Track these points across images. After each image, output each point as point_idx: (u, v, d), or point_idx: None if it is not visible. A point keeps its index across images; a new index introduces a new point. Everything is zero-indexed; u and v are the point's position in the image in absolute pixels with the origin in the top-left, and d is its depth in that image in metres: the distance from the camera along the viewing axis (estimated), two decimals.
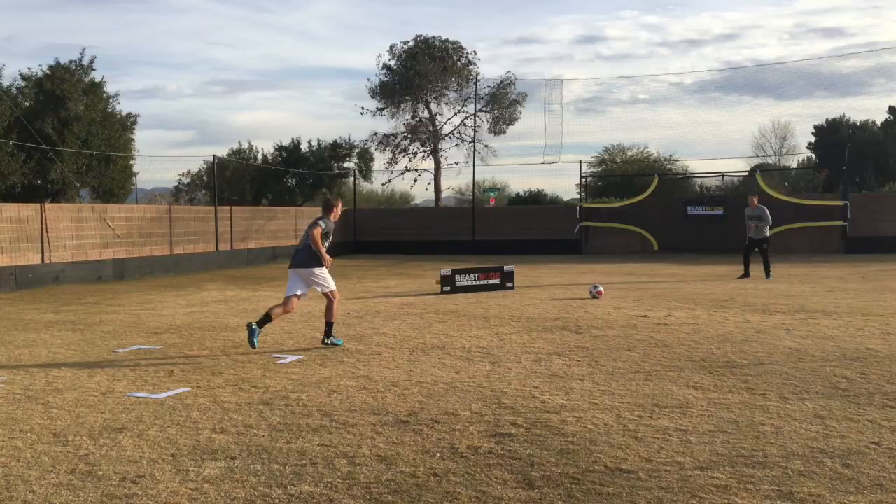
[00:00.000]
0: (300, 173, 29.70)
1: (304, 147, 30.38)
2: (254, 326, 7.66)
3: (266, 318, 7.83)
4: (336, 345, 8.01)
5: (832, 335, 8.22)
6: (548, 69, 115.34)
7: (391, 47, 32.37)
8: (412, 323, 9.67)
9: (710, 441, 4.51)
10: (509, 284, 13.97)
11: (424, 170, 33.17)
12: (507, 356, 7.33)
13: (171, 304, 12.38)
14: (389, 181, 34.00)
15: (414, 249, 26.89)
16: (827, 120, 46.59)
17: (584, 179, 26.78)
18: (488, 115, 32.85)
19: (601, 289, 12.25)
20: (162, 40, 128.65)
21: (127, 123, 21.10)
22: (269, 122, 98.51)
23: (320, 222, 8.05)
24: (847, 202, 23.17)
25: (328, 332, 8.09)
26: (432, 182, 33.42)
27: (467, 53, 32.74)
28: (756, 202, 15.53)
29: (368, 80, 33.46)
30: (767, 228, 15.22)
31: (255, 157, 30.42)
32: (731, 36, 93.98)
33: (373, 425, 4.92)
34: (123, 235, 18.35)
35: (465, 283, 13.64)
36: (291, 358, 7.36)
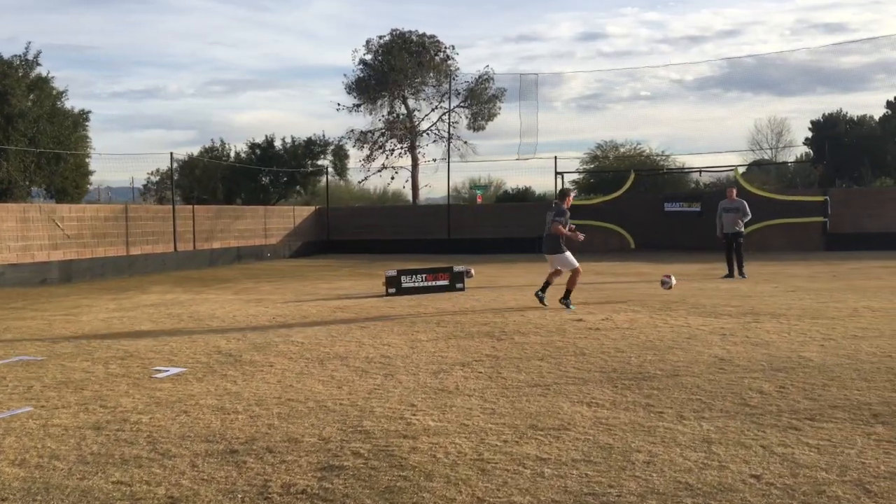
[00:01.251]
0: (273, 171, 29.10)
1: (277, 145, 29.78)
2: (540, 294, 10.46)
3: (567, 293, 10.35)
4: (570, 308, 10.16)
5: (769, 341, 7.60)
6: (549, 66, 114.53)
7: (367, 42, 31.75)
8: (332, 329, 9.07)
9: (567, 474, 3.90)
10: (459, 286, 13.38)
11: (401, 167, 32.54)
12: (407, 367, 6.72)
13: (98, 308, 11.79)
14: (366, 178, 33.39)
15: (389, 249, 26.29)
16: (824, 115, 45.97)
17: (560, 176, 26.16)
18: (467, 111, 32.20)
19: (673, 282, 11.58)
20: (163, 40, 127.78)
21: (80, 120, 20.47)
22: (270, 121, 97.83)
23: (558, 218, 10.27)
24: (827, 198, 22.54)
25: (566, 295, 10.35)
26: (409, 180, 32.79)
27: (445, 48, 32.07)
28: (734, 195, 14.92)
29: (345, 75, 32.84)
30: (742, 224, 14.59)
31: (228, 156, 29.82)
32: (732, 32, 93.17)
33: (195, 456, 4.32)
34: (74, 236, 17.76)
35: (411, 285, 13.04)
36: (173, 371, 6.76)
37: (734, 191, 15.10)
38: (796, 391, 5.57)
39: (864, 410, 5.02)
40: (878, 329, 8.21)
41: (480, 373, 6.44)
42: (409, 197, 33.98)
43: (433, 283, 13.17)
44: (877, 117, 37.93)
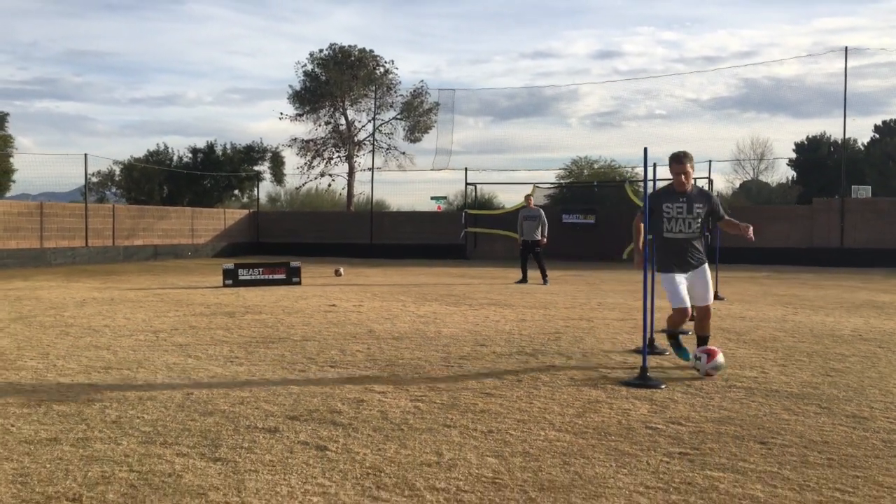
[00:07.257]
0: (212, 176, 30.67)
1: (218, 150, 31.34)
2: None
3: None
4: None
5: (438, 321, 8.92)
6: (564, 82, 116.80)
7: (311, 54, 33.39)
8: (111, 305, 10.44)
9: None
10: (295, 280, 14.74)
11: (338, 175, 34.09)
12: (117, 330, 8.09)
13: None
14: (304, 185, 34.96)
15: (314, 252, 27.76)
16: (808, 137, 47.51)
17: (472, 187, 27.56)
18: (404, 123, 33.76)
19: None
20: (183, 49, 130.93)
21: None
22: (287, 131, 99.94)
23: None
24: None
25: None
26: (346, 187, 34.31)
27: (384, 62, 33.70)
28: (532, 203, 16.00)
29: (290, 86, 34.59)
30: (539, 232, 15.61)
31: (171, 159, 31.41)
32: (748, 53, 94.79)
33: None
34: None
35: (248, 278, 14.40)
36: None
37: (532, 199, 16.17)
38: (366, 353, 6.90)
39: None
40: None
41: (158, 336, 7.80)
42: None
43: (270, 277, 14.54)
44: (863, 141, 39.59)
